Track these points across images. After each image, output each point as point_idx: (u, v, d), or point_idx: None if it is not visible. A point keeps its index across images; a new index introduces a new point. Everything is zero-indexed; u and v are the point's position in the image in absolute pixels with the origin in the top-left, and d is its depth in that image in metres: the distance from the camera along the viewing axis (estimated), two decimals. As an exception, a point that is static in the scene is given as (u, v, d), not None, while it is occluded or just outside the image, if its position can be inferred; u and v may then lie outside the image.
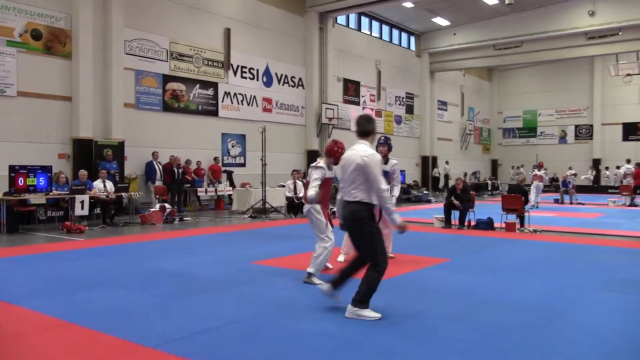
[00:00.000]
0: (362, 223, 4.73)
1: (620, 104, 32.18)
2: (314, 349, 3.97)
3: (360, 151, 4.80)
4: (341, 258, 7.57)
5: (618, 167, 26.42)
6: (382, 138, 7.76)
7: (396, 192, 7.73)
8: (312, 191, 5.95)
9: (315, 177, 6.10)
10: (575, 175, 27.19)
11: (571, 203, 20.66)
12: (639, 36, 23.08)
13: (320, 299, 5.41)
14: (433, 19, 26.51)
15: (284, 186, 15.81)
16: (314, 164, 6.30)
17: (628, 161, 24.15)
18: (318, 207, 6.29)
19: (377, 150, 7.40)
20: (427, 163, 29.24)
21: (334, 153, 6.24)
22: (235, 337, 4.23)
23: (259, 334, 4.32)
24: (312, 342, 4.13)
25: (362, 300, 4.72)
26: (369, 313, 4.70)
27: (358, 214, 4.73)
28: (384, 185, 4.70)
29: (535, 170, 20.37)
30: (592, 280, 6.44)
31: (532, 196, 18.01)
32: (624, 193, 20.59)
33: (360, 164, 4.70)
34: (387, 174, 7.52)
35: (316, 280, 6.13)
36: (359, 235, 4.80)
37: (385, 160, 7.57)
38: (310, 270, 6.22)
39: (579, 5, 23.78)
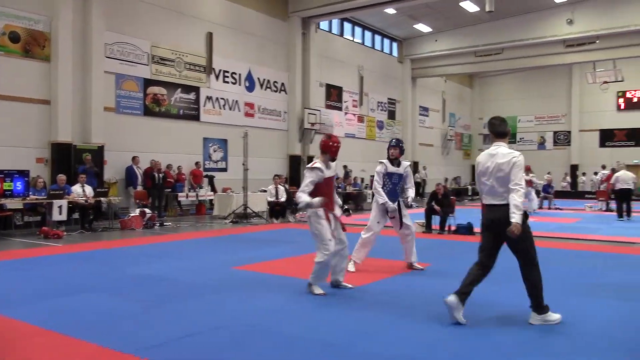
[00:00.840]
0: (523, 225, 4.70)
1: (598, 111, 32.78)
2: (296, 354, 3.96)
3: (507, 153, 4.79)
4: (351, 267, 7.16)
5: (595, 174, 26.86)
6: (394, 140, 7.61)
7: (412, 193, 7.68)
8: (302, 196, 5.69)
9: (307, 180, 5.80)
10: (550, 181, 27.49)
11: (549, 208, 20.92)
12: (615, 44, 23.58)
13: (301, 303, 5.41)
14: (415, 25, 26.74)
15: (265, 191, 15.78)
16: (309, 165, 6.00)
17: (603, 167, 24.62)
18: (320, 211, 5.84)
19: (388, 153, 7.45)
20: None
21: (329, 148, 6.00)
22: (216, 343, 4.20)
23: (240, 339, 4.30)
24: (294, 347, 4.12)
25: (540, 304, 4.73)
26: (553, 316, 4.73)
27: None
28: (523, 182, 4.75)
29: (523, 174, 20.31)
30: (569, 285, 6.52)
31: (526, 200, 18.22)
32: (600, 198, 20.93)
33: (511, 165, 4.70)
34: (401, 177, 7.46)
35: (316, 290, 5.83)
36: (519, 237, 4.72)
37: (398, 163, 7.46)
38: (310, 280, 5.93)
39: (557, 14, 24.20)
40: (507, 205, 4.70)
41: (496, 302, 5.65)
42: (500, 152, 4.82)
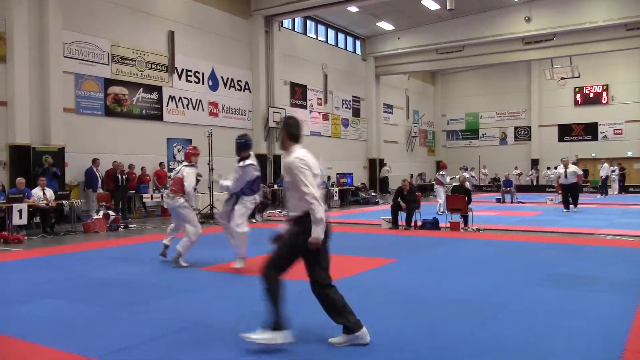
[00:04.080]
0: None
1: (556, 107, 33.67)
2: (263, 353, 3.97)
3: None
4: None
5: (556, 167, 27.61)
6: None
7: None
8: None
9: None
10: (520, 174, 28.20)
11: (512, 202, 21.40)
12: (571, 41, 24.28)
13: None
14: (377, 24, 26.95)
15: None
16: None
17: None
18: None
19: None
20: (375, 165, 29.65)
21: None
22: (182, 345, 4.18)
23: (206, 341, 4.29)
24: (257, 347, 4.12)
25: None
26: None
27: None
28: None
29: (441, 172, 17.89)
30: (530, 276, 6.71)
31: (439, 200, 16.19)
32: (559, 192, 21.48)
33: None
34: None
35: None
36: None
37: (242, 159, 7.49)
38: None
39: (516, 12, 24.78)
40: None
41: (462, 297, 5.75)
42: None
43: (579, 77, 27.80)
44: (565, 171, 16.77)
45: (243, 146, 7.52)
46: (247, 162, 7.39)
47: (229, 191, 7.52)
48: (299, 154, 4.21)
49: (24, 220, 11.32)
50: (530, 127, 34.78)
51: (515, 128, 35.48)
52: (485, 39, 25.69)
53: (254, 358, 3.88)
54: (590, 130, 32.73)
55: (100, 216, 12.92)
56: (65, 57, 14.76)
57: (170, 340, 4.29)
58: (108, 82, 16.02)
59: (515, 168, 29.24)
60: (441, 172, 17.67)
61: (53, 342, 4.23)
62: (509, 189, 22.01)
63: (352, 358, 3.87)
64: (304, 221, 4.06)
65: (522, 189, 27.15)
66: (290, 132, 4.35)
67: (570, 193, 16.99)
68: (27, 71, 13.74)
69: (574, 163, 21.62)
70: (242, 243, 7.33)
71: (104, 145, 15.68)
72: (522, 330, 4.48)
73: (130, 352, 4.01)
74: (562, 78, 27.69)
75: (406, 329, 4.50)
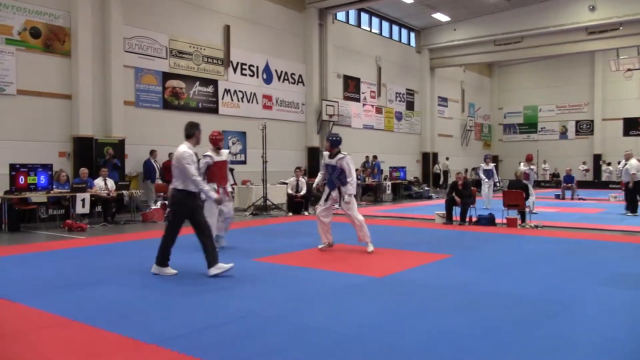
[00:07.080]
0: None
1: (621, 99, 32.14)
2: (317, 345, 3.97)
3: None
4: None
5: (619, 163, 26.42)
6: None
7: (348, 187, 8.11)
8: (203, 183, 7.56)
9: (198, 164, 7.64)
10: (587, 170, 26.89)
11: (572, 199, 20.62)
12: (639, 31, 23.04)
13: (320, 294, 5.42)
14: (433, 15, 26.46)
15: (285, 183, 15.80)
16: (203, 154, 8.30)
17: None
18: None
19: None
20: (428, 159, 29.23)
21: (210, 140, 8.63)
22: (237, 334, 4.22)
23: (261, 330, 4.32)
24: (315, 337, 4.12)
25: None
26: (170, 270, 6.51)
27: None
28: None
29: (522, 165, 15.50)
30: (593, 275, 6.43)
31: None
32: (624, 188, 20.50)
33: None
34: (334, 169, 8.26)
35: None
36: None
37: (333, 155, 8.33)
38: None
39: (579, 0, 23.73)
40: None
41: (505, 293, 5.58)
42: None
43: (647, 68, 26.41)
44: (624, 166, 14.33)
45: (335, 143, 8.43)
46: (341, 155, 8.25)
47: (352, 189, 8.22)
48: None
49: (87, 209, 11.79)
50: (592, 121, 33.37)
51: (577, 122, 34.13)
52: (546, 30, 24.75)
53: (310, 345, 3.88)
54: (659, 125, 31.06)
55: (158, 206, 13.29)
56: (125, 51, 15.23)
57: (228, 329, 4.34)
58: (166, 76, 16.43)
59: (584, 163, 27.96)
60: (530, 167, 15.20)
61: (113, 326, 4.36)
62: (570, 184, 21.18)
63: (411, 356, 3.81)
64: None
65: (583, 185, 26.10)
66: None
67: (628, 193, 14.39)
68: (91, 66, 14.26)
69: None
70: (365, 228, 8.13)
71: (162, 137, 16.08)
72: (585, 331, 4.29)
73: (188, 339, 4.08)
74: (629, 69, 26.38)
75: (462, 327, 4.39)
